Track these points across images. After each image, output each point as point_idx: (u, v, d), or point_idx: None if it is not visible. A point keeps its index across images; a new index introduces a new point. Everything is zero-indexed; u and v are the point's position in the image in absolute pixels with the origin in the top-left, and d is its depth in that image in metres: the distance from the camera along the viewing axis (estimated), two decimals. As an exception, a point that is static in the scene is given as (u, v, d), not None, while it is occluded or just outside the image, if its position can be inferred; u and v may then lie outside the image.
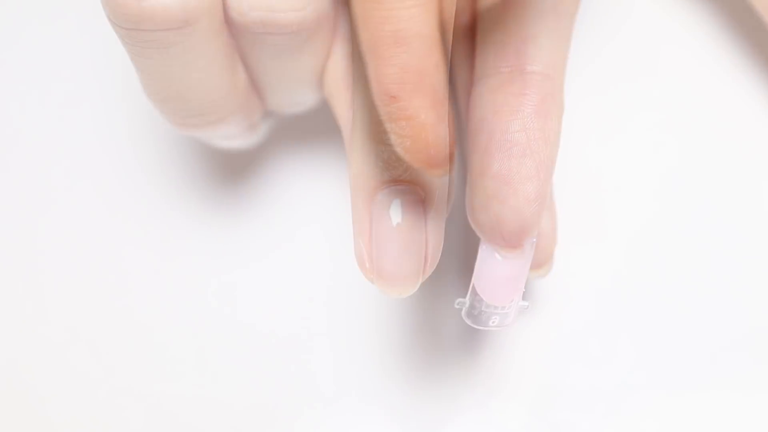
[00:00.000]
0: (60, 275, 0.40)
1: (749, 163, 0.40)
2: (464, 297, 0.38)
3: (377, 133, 0.28)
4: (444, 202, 0.29)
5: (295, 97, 0.34)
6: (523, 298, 0.31)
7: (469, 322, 0.31)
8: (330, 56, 0.33)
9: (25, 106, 0.41)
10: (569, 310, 0.39)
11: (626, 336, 0.39)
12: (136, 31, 0.30)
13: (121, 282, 0.40)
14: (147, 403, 0.38)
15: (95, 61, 0.41)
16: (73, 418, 0.39)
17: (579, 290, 0.39)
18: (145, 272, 0.39)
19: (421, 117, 0.27)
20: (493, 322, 0.31)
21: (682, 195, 0.40)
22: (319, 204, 0.40)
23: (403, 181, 0.28)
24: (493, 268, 0.29)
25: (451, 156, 0.31)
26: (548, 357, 0.39)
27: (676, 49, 0.41)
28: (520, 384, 0.39)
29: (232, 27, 0.31)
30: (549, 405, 0.38)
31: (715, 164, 0.40)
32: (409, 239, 0.29)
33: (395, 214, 0.29)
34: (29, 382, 0.39)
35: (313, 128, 0.40)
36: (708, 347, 0.39)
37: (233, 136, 0.36)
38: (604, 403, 0.38)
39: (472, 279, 0.30)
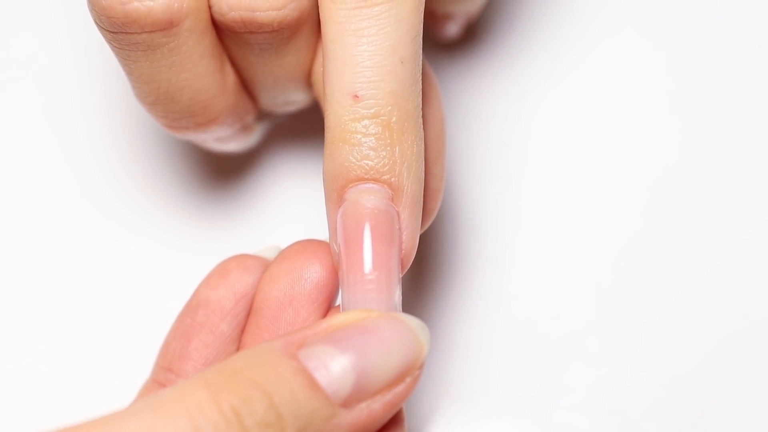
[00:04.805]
0: (53, 279, 0.40)
1: (748, 160, 0.40)
2: (462, 297, 0.38)
3: (342, 132, 0.28)
4: (416, 199, 0.29)
5: (285, 96, 0.35)
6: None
7: None
8: (316, 54, 0.33)
9: (15, 108, 0.41)
10: (569, 310, 0.39)
11: (625, 336, 0.39)
12: (122, 35, 0.30)
13: (113, 285, 0.40)
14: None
15: (87, 63, 0.41)
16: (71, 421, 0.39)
17: (579, 290, 0.39)
18: (138, 275, 0.40)
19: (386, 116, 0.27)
20: None
21: (681, 194, 0.40)
22: (314, 206, 0.40)
23: (369, 179, 0.28)
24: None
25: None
26: (548, 357, 0.39)
27: (673, 43, 0.41)
28: (520, 384, 0.39)
29: (216, 27, 0.31)
30: (549, 405, 0.38)
31: (715, 161, 0.40)
32: None
33: None
34: (21, 388, 0.39)
35: (306, 130, 0.40)
36: (707, 346, 0.39)
37: (227, 139, 0.36)
38: (604, 403, 0.38)
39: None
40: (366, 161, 0.28)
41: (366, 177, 0.28)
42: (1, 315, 0.40)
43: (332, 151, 0.28)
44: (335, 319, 0.27)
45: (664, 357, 0.38)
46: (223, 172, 0.40)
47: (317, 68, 0.33)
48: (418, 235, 0.29)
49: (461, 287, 0.39)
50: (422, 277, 0.39)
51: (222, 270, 0.32)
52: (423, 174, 0.29)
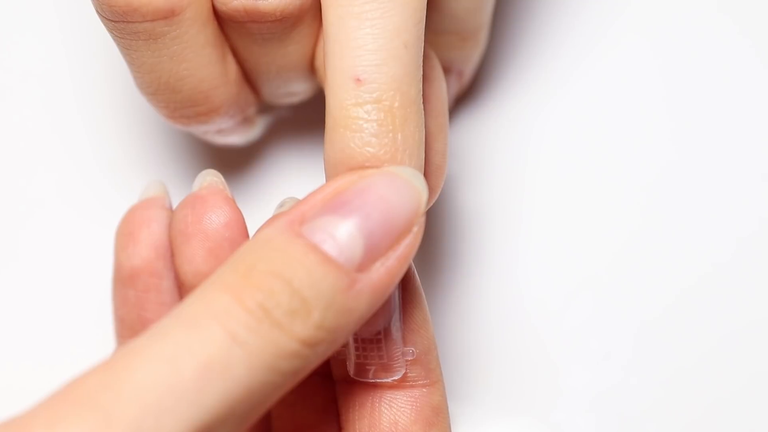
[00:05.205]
0: (55, 275, 0.40)
1: (746, 160, 0.40)
2: (462, 298, 0.38)
3: (343, 118, 0.28)
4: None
5: (287, 87, 0.35)
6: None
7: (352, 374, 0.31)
8: (319, 42, 0.33)
9: (18, 102, 0.41)
10: (569, 310, 0.39)
11: (625, 336, 0.39)
12: (123, 23, 0.30)
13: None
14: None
15: (89, 55, 0.41)
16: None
17: (579, 291, 0.39)
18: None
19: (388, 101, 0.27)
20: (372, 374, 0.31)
21: (680, 193, 0.40)
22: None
23: (370, 166, 0.28)
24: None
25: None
26: (548, 357, 0.39)
27: (675, 43, 0.41)
28: (520, 384, 0.39)
29: (218, 17, 0.31)
30: (549, 405, 0.38)
31: (714, 161, 0.40)
32: None
33: None
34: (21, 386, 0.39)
35: (308, 123, 0.40)
36: (706, 347, 0.38)
37: (228, 131, 0.36)
38: (604, 403, 0.38)
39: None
40: (367, 148, 0.28)
41: (367, 164, 0.28)
42: (9, 312, 0.40)
43: (333, 137, 0.28)
44: (328, 188, 0.28)
45: (663, 357, 0.38)
46: (224, 165, 0.40)
47: (320, 53, 0.33)
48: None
49: (461, 288, 0.39)
50: (423, 278, 0.39)
51: (128, 232, 0.33)
52: (423, 161, 0.29)
